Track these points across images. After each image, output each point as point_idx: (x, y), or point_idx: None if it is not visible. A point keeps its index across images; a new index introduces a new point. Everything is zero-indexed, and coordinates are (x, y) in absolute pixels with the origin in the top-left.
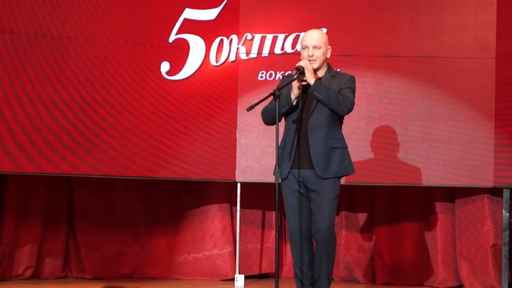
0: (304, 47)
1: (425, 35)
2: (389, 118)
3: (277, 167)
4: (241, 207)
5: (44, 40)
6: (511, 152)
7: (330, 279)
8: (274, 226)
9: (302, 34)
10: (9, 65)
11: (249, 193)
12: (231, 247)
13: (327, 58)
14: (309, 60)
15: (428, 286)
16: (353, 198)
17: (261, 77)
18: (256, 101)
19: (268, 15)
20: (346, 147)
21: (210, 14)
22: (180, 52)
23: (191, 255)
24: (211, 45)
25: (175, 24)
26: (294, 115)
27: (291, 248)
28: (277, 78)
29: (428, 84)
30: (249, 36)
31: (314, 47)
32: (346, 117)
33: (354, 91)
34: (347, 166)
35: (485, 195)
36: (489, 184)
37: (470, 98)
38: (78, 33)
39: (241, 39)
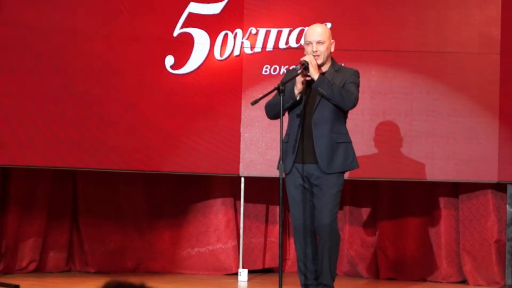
0: (307, 43)
1: (430, 30)
2: (393, 113)
3: (281, 162)
4: (245, 201)
5: (50, 34)
6: None
7: (333, 274)
8: (277, 220)
9: (306, 29)
10: (16, 59)
11: (253, 187)
12: (234, 242)
13: (331, 52)
14: (313, 56)
15: (431, 281)
16: (356, 193)
17: (266, 71)
18: (261, 95)
19: (273, 9)
20: (350, 142)
21: (214, 8)
22: (184, 46)
23: (195, 249)
24: (215, 39)
25: (179, 18)
26: (298, 110)
27: (295, 243)
28: (281, 72)
29: (432, 79)
30: (254, 31)
31: (318, 42)
32: (350, 112)
33: (358, 85)
34: (352, 161)
35: (489, 191)
36: (493, 179)
37: (475, 93)
38: (83, 27)
39: (246, 33)
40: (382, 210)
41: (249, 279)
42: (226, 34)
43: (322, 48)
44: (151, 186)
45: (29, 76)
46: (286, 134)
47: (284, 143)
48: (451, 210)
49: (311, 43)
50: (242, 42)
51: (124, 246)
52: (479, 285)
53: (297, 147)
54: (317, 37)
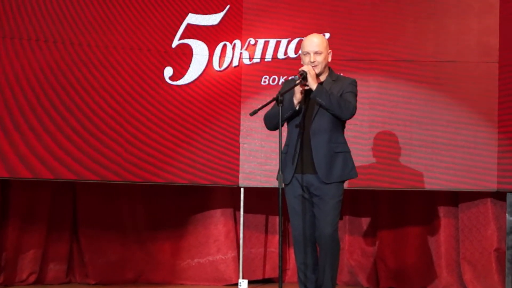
0: (305, 53)
1: (428, 40)
2: (392, 122)
3: (280, 172)
4: (244, 212)
5: (47, 46)
6: None
7: (334, 284)
8: (277, 230)
9: (303, 39)
10: (15, 71)
11: (252, 198)
12: (234, 252)
13: (328, 62)
14: (311, 66)
15: None
16: (356, 202)
17: (264, 82)
18: (259, 106)
19: (271, 20)
20: (349, 151)
21: (213, 19)
22: (183, 57)
23: (195, 260)
24: (214, 50)
25: (178, 29)
26: (297, 120)
27: (295, 253)
28: (280, 83)
29: (431, 88)
30: (252, 41)
31: (315, 52)
32: (349, 121)
33: (356, 95)
34: (350, 170)
35: (489, 199)
36: (493, 188)
37: (473, 102)
38: (81, 39)
39: (244, 44)
40: (382, 220)
41: None
42: (224, 45)
43: (319, 58)
44: (151, 198)
45: (27, 89)
46: (285, 145)
47: (283, 153)
48: (450, 219)
49: (308, 53)
50: (241, 53)
51: (124, 257)
52: None
53: (296, 158)
54: (315, 48)
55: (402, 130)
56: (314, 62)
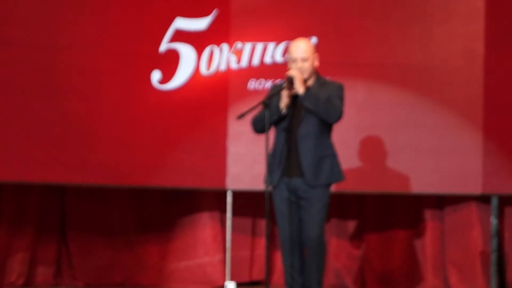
0: (292, 60)
1: (414, 44)
2: (378, 126)
3: (267, 175)
4: (232, 214)
5: (34, 50)
6: (499, 160)
7: (320, 287)
8: (264, 233)
9: (290, 44)
10: (3, 76)
11: (239, 201)
12: (222, 255)
13: (315, 67)
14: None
15: None
16: (343, 205)
17: (251, 86)
18: (247, 109)
19: (259, 24)
20: (335, 155)
21: (200, 23)
22: (171, 61)
23: (182, 263)
24: (201, 54)
25: (165, 33)
26: (284, 124)
27: (282, 255)
28: (267, 87)
29: (416, 92)
30: (239, 45)
31: (302, 59)
32: (336, 125)
33: (342, 99)
34: (337, 173)
35: (474, 202)
36: (478, 191)
37: (459, 106)
38: (68, 43)
39: (232, 48)
40: (368, 223)
41: None
42: (212, 49)
43: (306, 64)
44: (139, 201)
45: (16, 93)
46: (272, 148)
47: (270, 156)
48: (436, 222)
49: (295, 59)
50: (228, 57)
51: (113, 260)
52: None
53: (283, 161)
54: (301, 54)
55: (388, 134)
56: (301, 68)
